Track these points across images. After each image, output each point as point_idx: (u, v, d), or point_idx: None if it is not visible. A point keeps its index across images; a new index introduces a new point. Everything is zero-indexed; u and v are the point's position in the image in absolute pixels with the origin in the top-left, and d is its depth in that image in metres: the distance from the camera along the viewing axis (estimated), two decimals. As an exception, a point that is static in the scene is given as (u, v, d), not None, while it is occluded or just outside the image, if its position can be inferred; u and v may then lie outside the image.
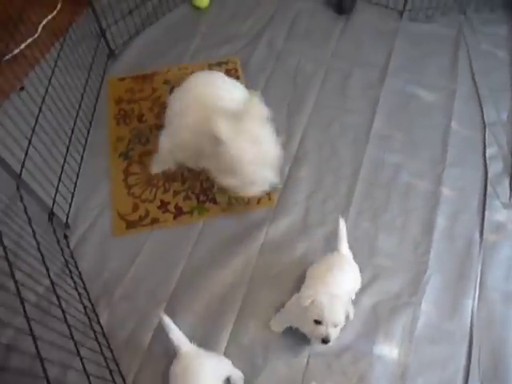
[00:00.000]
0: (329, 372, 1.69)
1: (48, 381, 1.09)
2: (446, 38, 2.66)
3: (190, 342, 1.60)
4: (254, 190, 1.89)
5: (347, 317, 1.52)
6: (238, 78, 2.45)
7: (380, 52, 2.56)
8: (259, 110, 1.80)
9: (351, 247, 1.92)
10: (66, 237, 1.98)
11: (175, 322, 1.79)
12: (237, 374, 1.65)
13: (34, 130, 1.84)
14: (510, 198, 2.07)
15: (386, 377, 1.67)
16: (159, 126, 2.30)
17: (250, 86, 2.43)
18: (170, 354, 1.58)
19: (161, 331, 1.65)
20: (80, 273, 1.89)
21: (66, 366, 1.48)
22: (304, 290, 1.66)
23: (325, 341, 1.50)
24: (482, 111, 2.33)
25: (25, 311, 1.19)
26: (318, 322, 1.50)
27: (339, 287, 1.63)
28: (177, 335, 1.59)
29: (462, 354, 1.72)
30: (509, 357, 1.71)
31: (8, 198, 1.93)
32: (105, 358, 1.58)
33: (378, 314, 1.80)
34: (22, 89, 2.34)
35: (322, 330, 1.49)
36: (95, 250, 1.97)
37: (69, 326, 1.44)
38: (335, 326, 1.50)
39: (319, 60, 2.54)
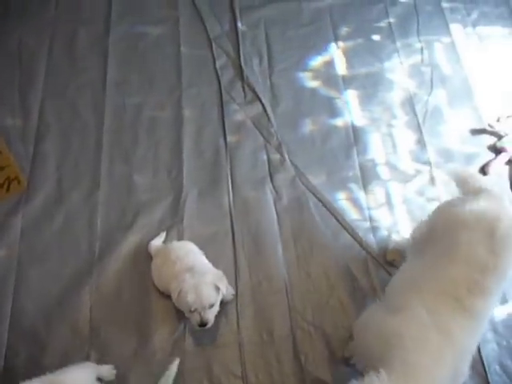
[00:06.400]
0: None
1: None
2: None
3: None
4: None
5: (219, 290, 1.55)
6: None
7: (99, 4, 2.52)
8: None
9: (109, 195, 1.98)
10: None
11: None
12: (106, 370, 1.60)
13: None
14: (244, 98, 2.23)
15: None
16: None
17: (-28, 80, 2.31)
18: None
19: None
20: None
21: None
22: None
23: (201, 325, 1.52)
24: (206, 29, 2.42)
25: None
26: (192, 311, 1.51)
27: (196, 268, 1.63)
28: None
29: (228, 247, 1.87)
30: (264, 233, 1.90)
31: None
32: None
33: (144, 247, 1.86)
34: None
35: (195, 316, 1.52)
36: None
37: None
38: (209, 307, 1.52)
39: (39, 31, 2.43)
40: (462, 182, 1.55)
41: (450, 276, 1.33)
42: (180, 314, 1.70)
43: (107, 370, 1.63)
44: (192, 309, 1.53)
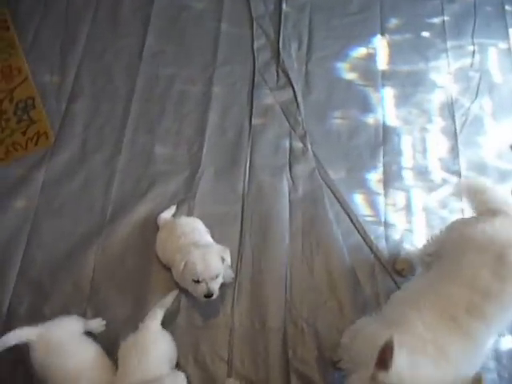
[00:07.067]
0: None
1: None
2: None
3: None
4: None
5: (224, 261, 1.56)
6: (7, 29, 2.38)
7: (148, -28, 2.54)
8: None
9: (128, 161, 2.01)
10: None
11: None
12: (95, 323, 1.67)
13: None
14: (277, 82, 2.17)
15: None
16: None
17: (19, 35, 2.37)
18: None
19: None
20: None
21: None
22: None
23: (208, 296, 1.54)
24: (250, 7, 2.37)
25: None
26: (197, 281, 1.53)
27: (202, 240, 1.66)
28: None
29: (235, 230, 1.86)
30: (273, 222, 1.86)
31: None
32: None
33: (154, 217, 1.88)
34: None
35: (202, 287, 1.53)
36: None
37: None
38: (216, 277, 1.54)
39: (88, -8, 2.49)
40: (476, 198, 1.44)
41: (450, 295, 1.26)
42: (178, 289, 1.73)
43: (96, 323, 1.68)
44: (200, 279, 1.52)
